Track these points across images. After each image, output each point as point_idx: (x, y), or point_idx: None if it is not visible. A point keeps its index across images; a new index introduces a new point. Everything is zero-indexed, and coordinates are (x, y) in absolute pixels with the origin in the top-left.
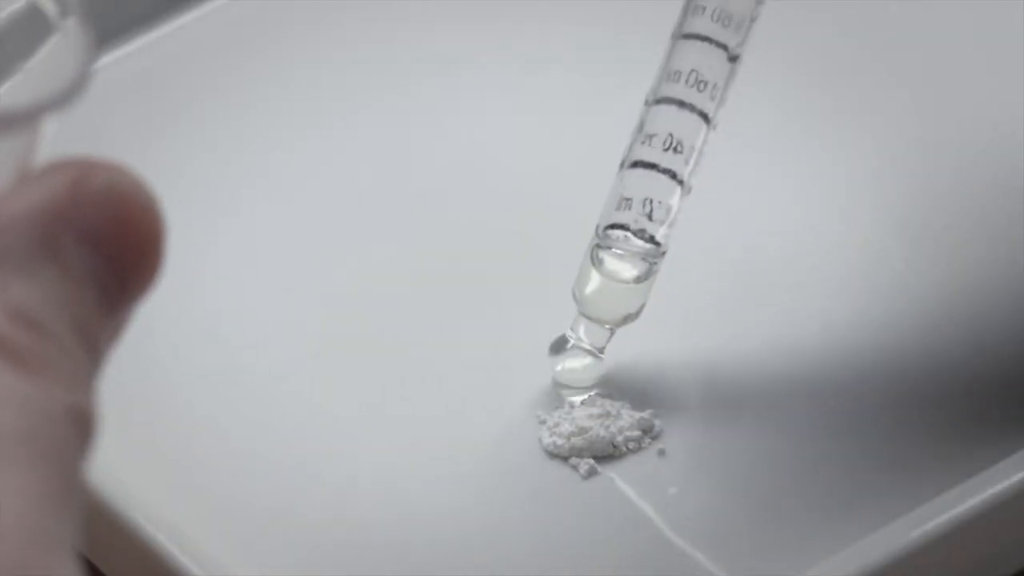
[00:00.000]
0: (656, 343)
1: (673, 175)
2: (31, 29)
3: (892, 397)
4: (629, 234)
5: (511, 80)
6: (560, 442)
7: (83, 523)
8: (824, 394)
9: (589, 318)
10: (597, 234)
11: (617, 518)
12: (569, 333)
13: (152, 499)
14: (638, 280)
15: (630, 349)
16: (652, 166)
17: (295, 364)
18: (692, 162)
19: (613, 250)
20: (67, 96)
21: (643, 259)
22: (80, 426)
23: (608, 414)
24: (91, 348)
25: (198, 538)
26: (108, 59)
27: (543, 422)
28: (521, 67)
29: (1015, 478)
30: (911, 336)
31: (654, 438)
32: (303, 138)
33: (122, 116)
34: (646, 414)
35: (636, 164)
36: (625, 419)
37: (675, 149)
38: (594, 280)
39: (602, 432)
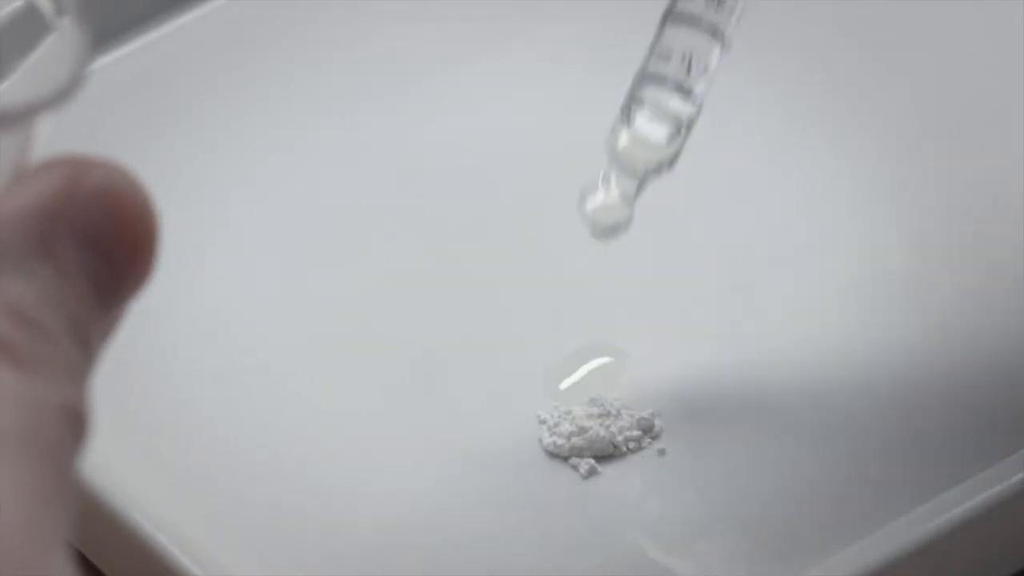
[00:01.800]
0: (657, 343)
1: (714, 29)
2: (28, 28)
3: (893, 396)
4: (665, 88)
5: (511, 80)
6: (560, 442)
7: (78, 521)
8: (824, 394)
9: (621, 168)
10: (632, 88)
11: (617, 518)
12: (600, 181)
13: (152, 499)
14: (670, 139)
15: (631, 349)
16: (694, 20)
17: (295, 364)
18: (735, 17)
19: (645, 108)
20: (62, 95)
21: (675, 119)
22: (74, 423)
23: (608, 414)
24: (85, 346)
25: (198, 538)
26: (108, 59)
27: (543, 422)
28: (521, 67)
29: (1015, 478)
30: (912, 336)
31: (654, 438)
32: (303, 138)
33: (122, 116)
34: (646, 414)
35: (677, 17)
36: (625, 419)
37: (718, 3)
38: (624, 135)
39: (602, 432)
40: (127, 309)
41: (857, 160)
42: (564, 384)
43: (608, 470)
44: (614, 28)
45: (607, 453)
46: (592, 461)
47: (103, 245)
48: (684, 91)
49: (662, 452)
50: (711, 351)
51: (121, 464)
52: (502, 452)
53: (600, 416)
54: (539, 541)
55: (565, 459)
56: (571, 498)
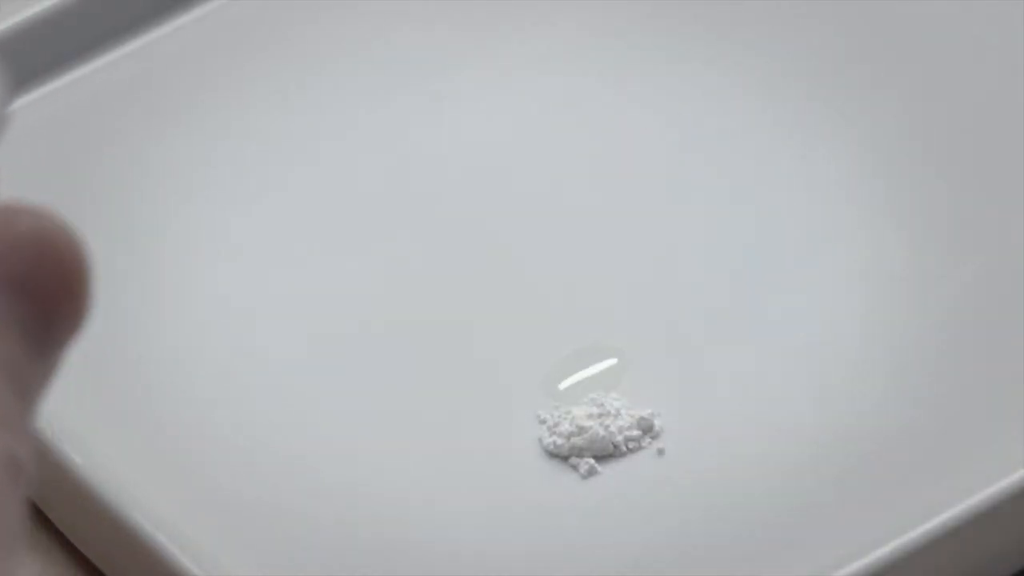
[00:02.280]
0: (657, 342)
1: None
2: None
3: (893, 395)
4: None
5: (512, 80)
6: (560, 442)
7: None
8: (825, 393)
9: None
10: None
11: (617, 518)
12: None
13: (152, 499)
14: None
15: (631, 348)
16: None
17: (295, 364)
18: None
19: None
20: None
21: None
22: (13, 471)
23: (608, 414)
24: (22, 394)
25: (198, 538)
26: (108, 59)
27: (543, 422)
28: (522, 67)
29: (1015, 477)
30: (914, 336)
31: (654, 438)
32: (303, 138)
33: (122, 116)
34: (646, 414)
35: None
36: (625, 419)
37: None
38: None
39: (602, 432)
40: (64, 355)
41: (858, 162)
42: (564, 384)
43: (608, 470)
44: (615, 27)
45: (607, 453)
46: (592, 461)
47: (35, 293)
48: None
49: (662, 452)
50: (711, 351)
51: (121, 464)
52: (502, 452)
53: (600, 416)
54: (539, 541)
55: (565, 459)
56: (571, 498)
